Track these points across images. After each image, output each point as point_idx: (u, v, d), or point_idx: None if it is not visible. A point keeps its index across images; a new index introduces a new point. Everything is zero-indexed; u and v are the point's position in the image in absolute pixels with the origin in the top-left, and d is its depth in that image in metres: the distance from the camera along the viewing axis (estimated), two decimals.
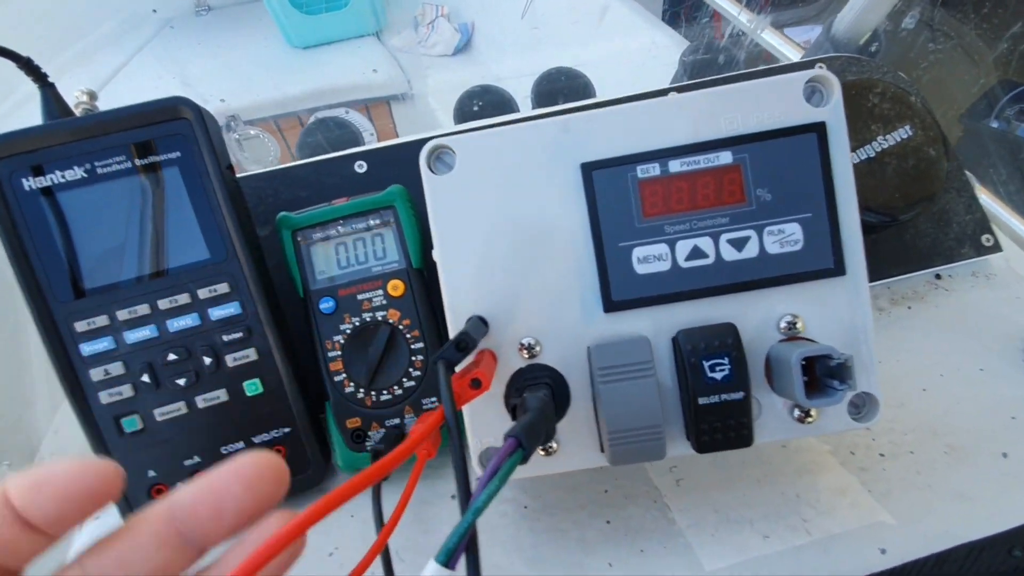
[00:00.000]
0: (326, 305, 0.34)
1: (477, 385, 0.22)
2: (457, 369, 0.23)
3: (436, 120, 1.38)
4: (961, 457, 0.31)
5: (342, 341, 0.34)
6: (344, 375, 0.34)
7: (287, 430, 0.34)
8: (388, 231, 0.35)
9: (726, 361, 0.24)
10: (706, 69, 0.51)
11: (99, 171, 0.30)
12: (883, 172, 0.40)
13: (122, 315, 0.31)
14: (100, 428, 0.31)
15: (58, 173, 0.30)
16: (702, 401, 0.25)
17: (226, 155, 0.32)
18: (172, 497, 0.15)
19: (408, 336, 0.34)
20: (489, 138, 0.26)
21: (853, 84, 0.41)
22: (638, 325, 0.26)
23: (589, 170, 0.26)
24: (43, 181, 0.30)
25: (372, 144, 0.42)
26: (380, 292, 0.34)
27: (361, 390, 0.34)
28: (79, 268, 0.30)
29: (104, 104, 0.35)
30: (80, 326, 0.30)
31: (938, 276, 0.44)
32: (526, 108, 0.54)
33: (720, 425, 0.25)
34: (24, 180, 0.29)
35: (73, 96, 0.35)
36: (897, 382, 0.36)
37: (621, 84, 0.66)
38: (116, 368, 0.31)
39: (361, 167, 0.41)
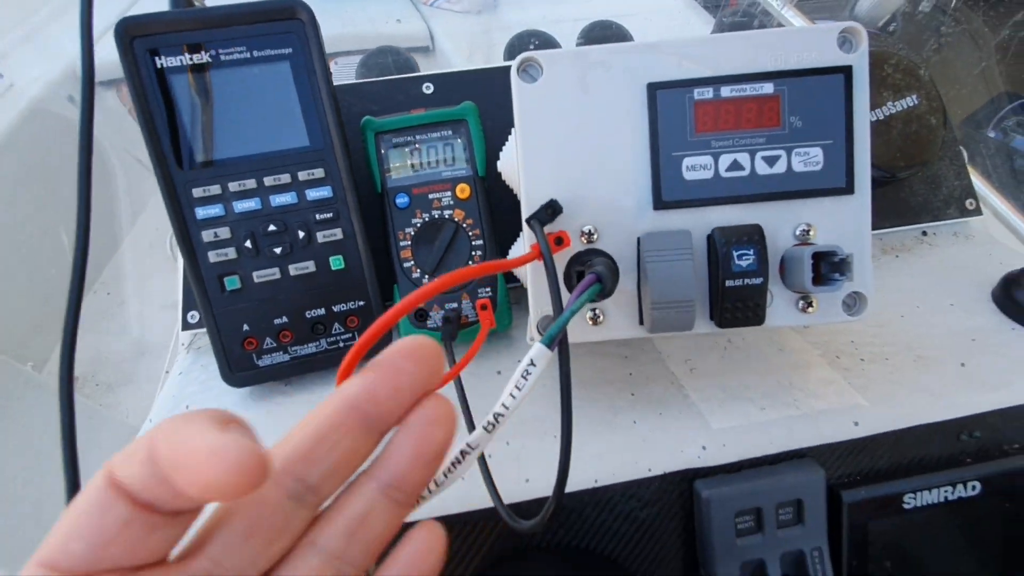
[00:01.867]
0: (401, 200, 0.39)
1: (560, 242, 0.27)
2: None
3: None
4: (927, 364, 0.37)
5: (412, 233, 0.39)
6: (412, 262, 0.40)
7: (362, 303, 0.39)
8: (458, 141, 0.40)
9: (751, 252, 0.30)
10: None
11: (223, 58, 0.34)
12: (889, 134, 0.46)
13: (233, 187, 0.35)
14: (206, 284, 0.36)
15: (187, 55, 0.34)
16: (728, 284, 0.30)
17: (326, 60, 0.36)
18: (347, 387, 0.16)
19: (470, 233, 0.40)
20: (572, 55, 0.31)
21: (872, 54, 0.46)
22: (681, 222, 0.32)
23: (654, 89, 0.31)
24: (173, 61, 0.34)
25: (438, 69, 0.46)
26: (449, 193, 0.40)
27: (426, 276, 0.40)
28: (199, 142, 0.35)
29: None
30: (197, 192, 0.35)
31: (924, 232, 0.50)
32: None
33: (740, 305, 0.31)
34: (157, 59, 0.34)
35: None
36: (880, 310, 0.42)
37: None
38: (224, 232, 0.36)
39: (428, 88, 0.46)
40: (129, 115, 1.57)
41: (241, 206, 0.36)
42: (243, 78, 0.35)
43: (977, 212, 0.49)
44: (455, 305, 0.40)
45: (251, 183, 0.36)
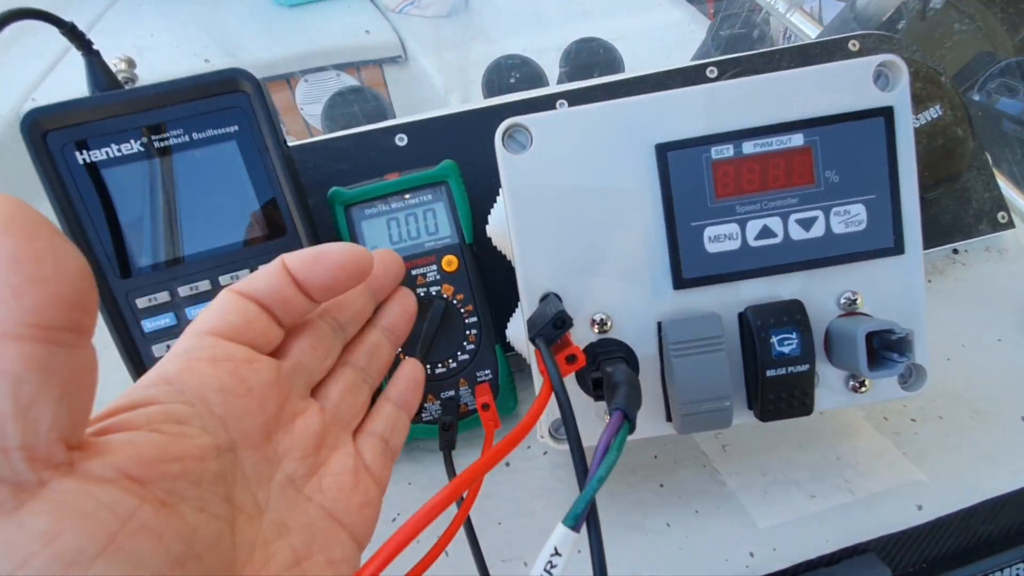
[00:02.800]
0: None
1: (573, 360, 0.23)
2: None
3: (431, 85, 1.35)
4: (985, 421, 0.33)
5: None
6: (400, 349, 0.35)
7: None
8: (440, 206, 0.35)
9: (794, 335, 0.26)
10: (739, 43, 0.52)
11: (156, 144, 0.29)
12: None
13: (183, 291, 0.31)
14: None
15: (114, 147, 0.29)
16: (770, 373, 0.26)
17: (281, 129, 0.31)
18: (365, 266, 0.21)
19: (462, 311, 0.35)
20: (564, 118, 0.26)
21: None
22: (706, 301, 0.27)
23: (664, 151, 0.26)
24: (98, 155, 0.29)
25: (411, 116, 0.42)
26: (434, 267, 0.35)
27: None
28: (139, 244, 0.30)
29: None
30: (142, 303, 0.30)
31: (955, 251, 0.46)
32: (552, 76, 0.53)
33: (784, 395, 0.26)
34: (78, 153, 0.29)
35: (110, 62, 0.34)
36: None
37: (638, 54, 0.66)
38: None
39: (402, 139, 0.41)
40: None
41: (195, 312, 0.31)
42: (186, 165, 0.30)
43: (1009, 225, 0.45)
44: (452, 393, 0.35)
45: (205, 284, 0.31)
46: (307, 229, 0.32)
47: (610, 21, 1.15)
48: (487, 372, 0.35)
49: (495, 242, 0.34)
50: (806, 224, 0.27)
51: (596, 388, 0.26)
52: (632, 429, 0.20)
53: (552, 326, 0.22)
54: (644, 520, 0.31)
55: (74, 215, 0.29)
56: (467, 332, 0.35)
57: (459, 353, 0.35)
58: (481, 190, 0.36)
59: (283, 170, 0.31)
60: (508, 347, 0.36)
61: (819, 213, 0.27)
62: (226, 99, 0.30)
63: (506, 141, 0.27)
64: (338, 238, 0.35)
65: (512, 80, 0.53)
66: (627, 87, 0.42)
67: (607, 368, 0.25)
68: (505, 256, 0.35)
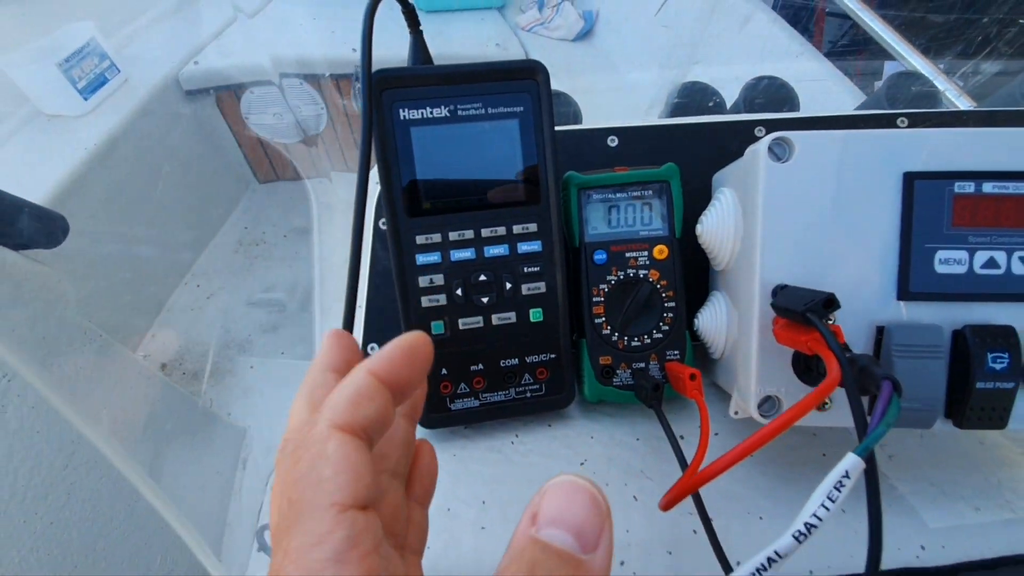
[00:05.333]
0: (599, 256, 0.40)
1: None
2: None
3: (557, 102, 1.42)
4: None
5: (607, 289, 0.40)
6: (603, 319, 0.40)
7: (553, 356, 0.39)
8: (658, 202, 0.40)
9: (1006, 356, 0.29)
10: (915, 102, 0.55)
11: (459, 113, 0.36)
12: None
13: (452, 236, 0.37)
14: (416, 327, 0.37)
15: (427, 110, 0.35)
16: (979, 386, 0.29)
17: (553, 116, 0.37)
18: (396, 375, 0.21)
19: (664, 295, 0.40)
20: (827, 138, 0.31)
21: None
22: (925, 315, 0.31)
23: (911, 179, 0.30)
24: (415, 114, 0.35)
25: (620, 122, 0.47)
26: (646, 253, 0.40)
27: (616, 334, 0.40)
28: (428, 191, 0.36)
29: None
30: (420, 239, 0.36)
31: None
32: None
33: (987, 408, 0.30)
34: (401, 111, 0.35)
35: None
36: None
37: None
38: (438, 279, 0.37)
39: (613, 141, 0.46)
40: (224, 120, 1.65)
41: (457, 255, 0.37)
42: (474, 133, 0.36)
43: None
44: (642, 365, 0.40)
45: (469, 234, 0.37)
46: (556, 203, 0.37)
47: (725, 68, 1.19)
48: (676, 352, 0.40)
49: (702, 240, 0.39)
50: None
51: (798, 372, 0.30)
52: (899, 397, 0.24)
53: (822, 305, 0.27)
54: None
55: (386, 159, 0.35)
56: (664, 314, 0.40)
57: (655, 331, 0.40)
58: (685, 194, 0.41)
59: (550, 150, 0.37)
60: (694, 336, 0.41)
61: None
62: (521, 84, 0.36)
63: (771, 150, 0.32)
64: (568, 215, 0.40)
65: (710, 104, 0.58)
66: (819, 124, 0.47)
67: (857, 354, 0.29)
68: (702, 254, 0.40)
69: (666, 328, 0.40)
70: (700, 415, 0.33)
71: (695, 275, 0.42)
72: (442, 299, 0.37)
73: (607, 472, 0.37)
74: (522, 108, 0.36)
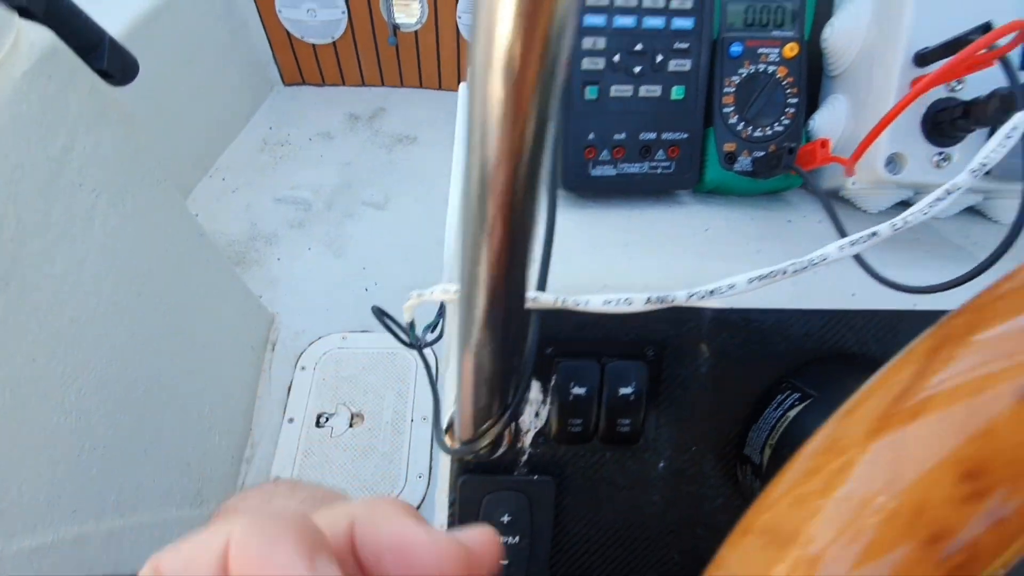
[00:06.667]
0: (736, 49, 0.43)
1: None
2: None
3: None
4: None
5: (738, 81, 0.43)
6: (732, 108, 0.44)
7: (686, 136, 0.43)
8: (791, 5, 0.44)
9: None
10: None
11: None
12: None
13: (619, 1, 0.40)
14: (573, 89, 0.41)
15: None
16: None
17: None
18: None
19: (788, 91, 0.44)
20: None
21: None
22: None
23: None
24: None
25: None
26: (777, 51, 0.43)
27: (742, 123, 0.44)
28: None
29: None
30: (591, 0, 0.39)
31: None
32: None
33: None
34: None
35: None
36: None
37: None
38: (600, 43, 0.40)
39: None
40: (257, 12, 1.61)
41: (620, 21, 0.40)
42: None
43: None
44: (762, 154, 0.44)
45: (633, 1, 0.40)
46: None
47: None
48: (794, 144, 0.44)
49: (828, 44, 0.43)
50: None
51: (961, 118, 0.35)
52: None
53: (980, 31, 0.31)
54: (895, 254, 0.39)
55: None
56: (787, 109, 0.44)
57: (776, 124, 0.44)
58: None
59: None
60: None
61: None
62: None
63: None
64: (712, 17, 0.43)
65: None
66: None
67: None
68: (819, 65, 0.44)
69: (787, 122, 0.44)
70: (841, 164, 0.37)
71: (809, 86, 0.46)
72: (601, 63, 0.40)
73: (729, 236, 0.42)
74: None
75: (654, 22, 0.40)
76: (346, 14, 1.62)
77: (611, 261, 0.38)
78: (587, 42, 0.40)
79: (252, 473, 1.13)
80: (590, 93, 0.41)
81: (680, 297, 0.27)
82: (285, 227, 1.49)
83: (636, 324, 0.36)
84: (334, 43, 1.68)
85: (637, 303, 0.27)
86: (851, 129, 0.42)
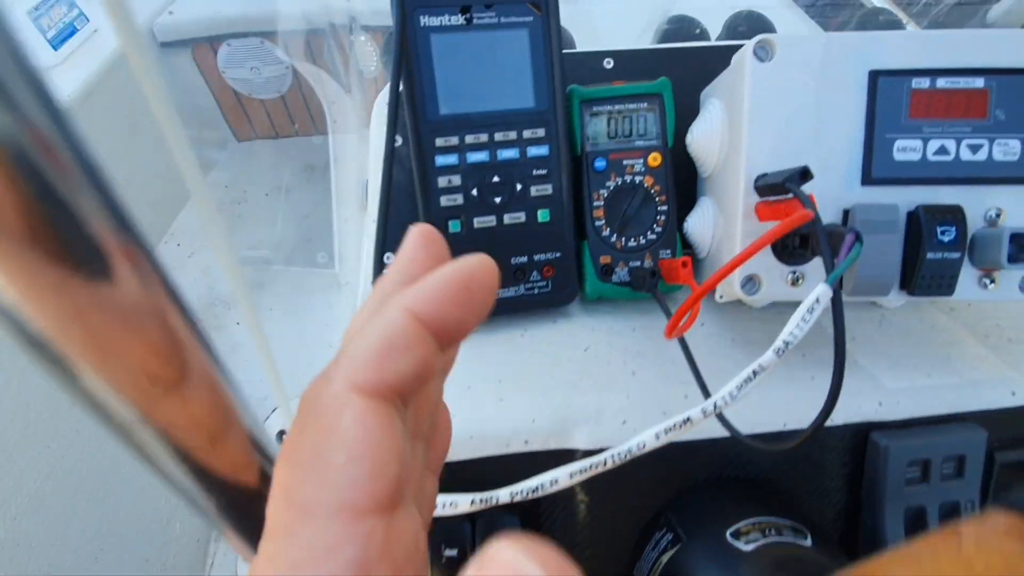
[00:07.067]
0: (599, 164, 0.43)
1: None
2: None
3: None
4: None
5: (606, 194, 0.43)
6: (603, 221, 0.44)
7: (558, 255, 0.43)
8: (652, 114, 0.44)
9: (953, 229, 0.34)
10: None
11: (475, 21, 0.38)
12: None
13: (469, 139, 0.40)
14: (434, 225, 0.40)
15: (446, 16, 0.38)
16: (929, 256, 0.34)
17: (560, 32, 0.40)
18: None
19: (657, 200, 0.44)
20: (808, 41, 0.35)
21: None
22: (885, 197, 0.36)
23: (876, 76, 0.35)
24: (435, 21, 0.38)
25: (616, 46, 0.50)
26: (641, 161, 0.44)
27: (614, 235, 0.44)
28: (446, 96, 0.39)
29: None
30: (439, 142, 0.39)
31: None
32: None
33: (937, 276, 0.35)
34: (422, 17, 0.38)
35: None
36: None
37: None
38: (456, 180, 0.40)
39: (608, 63, 0.49)
40: (201, 75, 1.61)
41: (473, 158, 0.40)
42: (488, 41, 0.39)
43: None
44: (638, 264, 0.44)
45: (484, 137, 0.40)
46: (563, 110, 0.41)
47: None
48: (668, 251, 0.44)
49: (692, 149, 0.43)
50: (973, 149, 0.35)
51: (800, 247, 0.35)
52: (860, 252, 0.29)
53: (799, 176, 0.31)
54: (791, 372, 0.39)
55: (408, 63, 0.38)
56: (658, 217, 0.44)
57: (649, 232, 0.44)
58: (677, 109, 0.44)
59: (558, 60, 0.40)
60: (683, 239, 0.45)
61: (985, 142, 0.35)
62: None
63: (755, 52, 0.35)
64: (571, 126, 0.43)
65: (696, 32, 0.61)
66: None
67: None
68: (690, 166, 0.44)
69: (659, 230, 0.44)
70: (692, 290, 0.37)
71: (684, 186, 0.47)
72: (459, 199, 0.40)
73: (608, 354, 0.42)
74: (532, 18, 0.39)
75: (508, 153, 0.41)
76: (290, 68, 1.62)
77: (481, 404, 0.38)
78: (442, 181, 0.40)
79: (221, 552, 1.12)
80: (453, 227, 0.41)
81: (503, 496, 0.27)
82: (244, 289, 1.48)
83: (506, 473, 0.36)
84: (283, 96, 1.69)
85: (462, 505, 0.27)
86: (722, 231, 0.42)
